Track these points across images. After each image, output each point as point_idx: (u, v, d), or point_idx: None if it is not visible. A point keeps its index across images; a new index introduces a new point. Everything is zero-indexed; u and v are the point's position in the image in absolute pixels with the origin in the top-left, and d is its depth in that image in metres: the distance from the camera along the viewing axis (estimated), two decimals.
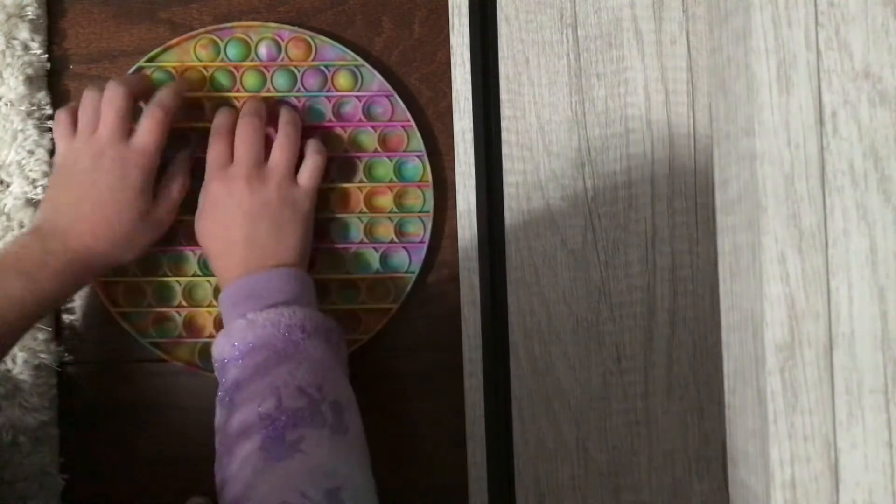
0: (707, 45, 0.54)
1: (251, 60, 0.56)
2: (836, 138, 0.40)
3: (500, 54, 0.56)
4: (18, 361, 0.54)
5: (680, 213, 0.55)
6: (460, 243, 0.56)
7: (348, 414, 0.46)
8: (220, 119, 0.54)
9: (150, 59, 0.56)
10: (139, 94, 0.53)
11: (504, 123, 0.56)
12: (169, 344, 0.56)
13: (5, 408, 0.55)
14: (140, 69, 0.56)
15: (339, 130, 0.56)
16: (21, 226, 0.55)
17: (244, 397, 0.46)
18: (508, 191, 0.56)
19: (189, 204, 0.56)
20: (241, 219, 0.51)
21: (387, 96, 0.56)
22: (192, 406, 0.58)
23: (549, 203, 0.55)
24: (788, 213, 0.39)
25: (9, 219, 0.55)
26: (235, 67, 0.56)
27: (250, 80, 0.56)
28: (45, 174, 0.56)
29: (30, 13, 0.55)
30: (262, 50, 0.56)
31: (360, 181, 0.56)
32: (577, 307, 0.55)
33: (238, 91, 0.56)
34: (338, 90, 0.56)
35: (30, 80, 0.55)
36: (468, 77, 0.56)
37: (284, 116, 0.54)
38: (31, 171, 0.55)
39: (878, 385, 0.39)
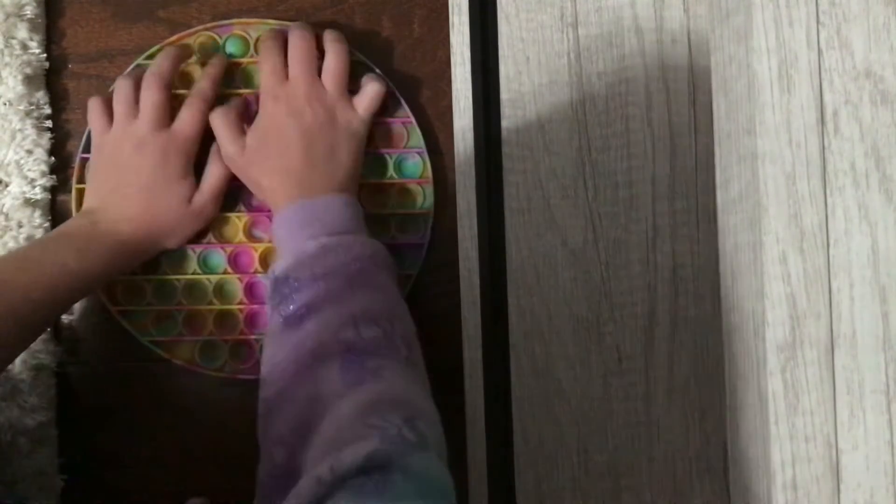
0: (708, 45, 0.54)
1: (250, 57, 0.56)
2: (837, 138, 0.39)
3: (501, 53, 0.56)
4: (17, 362, 0.54)
5: (681, 212, 0.55)
6: (460, 243, 0.56)
7: (415, 348, 0.47)
8: (268, 36, 0.53)
9: (149, 57, 0.56)
10: (172, 79, 0.54)
11: (504, 123, 0.56)
12: (169, 343, 0.56)
13: (4, 408, 0.54)
14: (138, 66, 0.56)
15: None
16: (20, 225, 0.55)
17: (320, 321, 0.45)
18: (508, 191, 0.55)
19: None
20: (299, 139, 0.50)
21: (387, 93, 0.56)
22: (191, 406, 0.58)
23: (549, 203, 0.55)
24: (790, 212, 0.39)
25: (7, 218, 0.55)
26: (234, 64, 0.56)
27: (249, 76, 0.56)
28: (44, 174, 0.56)
29: (28, 12, 0.55)
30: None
31: (361, 178, 0.56)
32: (577, 307, 0.55)
33: (238, 88, 0.56)
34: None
35: (28, 80, 0.55)
36: (468, 76, 0.56)
37: (330, 34, 0.54)
38: (29, 170, 0.55)
39: (880, 385, 0.39)
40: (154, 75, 0.53)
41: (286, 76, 0.52)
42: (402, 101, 0.56)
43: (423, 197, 0.56)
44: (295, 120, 0.51)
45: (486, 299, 0.55)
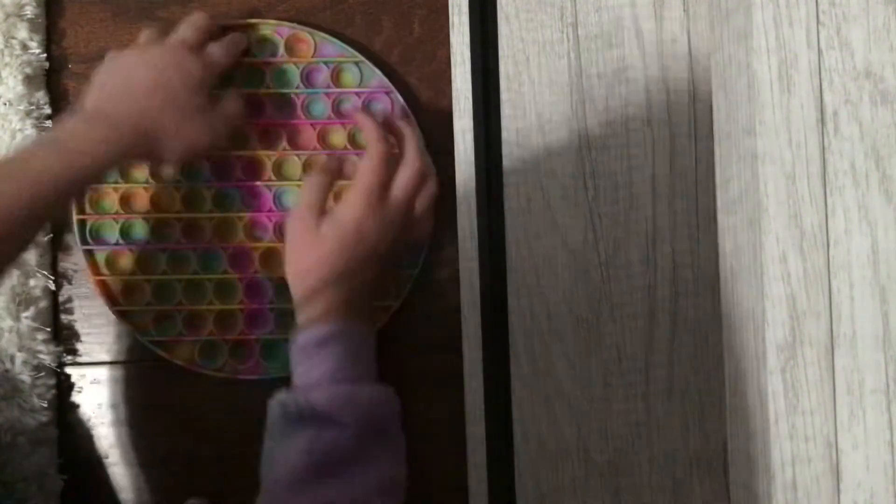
0: (708, 45, 0.54)
1: (251, 57, 0.56)
2: (837, 138, 0.39)
3: (501, 53, 0.56)
4: (17, 362, 0.54)
5: (681, 212, 0.55)
6: (460, 243, 0.56)
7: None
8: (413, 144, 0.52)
9: None
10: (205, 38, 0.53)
11: (504, 123, 0.56)
12: (169, 343, 0.56)
13: (4, 408, 0.54)
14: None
15: (338, 127, 0.56)
16: None
17: (339, 469, 0.46)
18: (508, 190, 0.55)
19: (195, 202, 0.56)
20: (366, 264, 0.50)
21: (387, 93, 0.56)
22: (191, 407, 0.57)
23: (549, 203, 0.55)
24: (790, 212, 0.39)
25: None
26: (235, 65, 0.56)
27: (249, 76, 0.56)
28: None
29: (28, 12, 0.55)
30: (261, 47, 0.56)
31: None
32: (577, 307, 0.55)
33: (237, 87, 0.56)
34: (338, 87, 0.56)
35: (28, 80, 0.55)
36: (468, 76, 0.56)
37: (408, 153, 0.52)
38: None
39: (880, 385, 0.39)
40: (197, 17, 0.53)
41: (389, 188, 0.50)
42: (402, 101, 0.56)
43: None
44: (374, 241, 0.49)
45: (486, 299, 0.55)
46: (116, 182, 0.56)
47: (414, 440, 0.57)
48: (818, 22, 0.40)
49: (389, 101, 0.56)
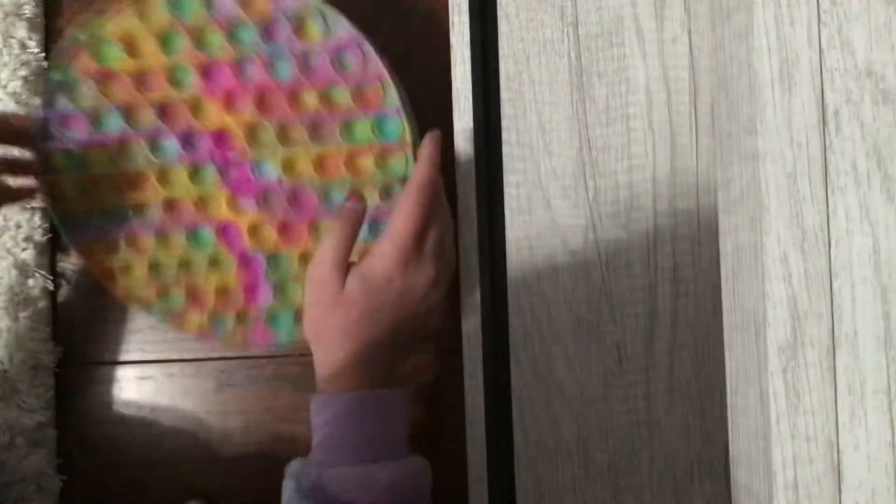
0: (709, 44, 0.54)
1: (206, 20, 0.53)
2: (838, 137, 0.39)
3: (501, 53, 0.56)
4: (16, 362, 0.54)
5: (681, 212, 0.55)
6: (460, 243, 0.56)
7: None
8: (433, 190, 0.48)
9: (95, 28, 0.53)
10: None
11: (504, 123, 0.55)
12: (176, 315, 0.55)
13: (2, 409, 0.54)
14: (77, 39, 0.53)
15: (308, 88, 0.54)
16: (18, 226, 0.55)
17: None
18: (508, 191, 0.55)
19: (172, 182, 0.56)
20: (394, 326, 0.46)
21: (357, 44, 0.53)
22: (189, 407, 0.57)
23: (549, 203, 0.55)
24: (791, 212, 0.39)
25: (6, 219, 0.55)
26: (189, 30, 0.53)
27: (207, 39, 0.54)
28: None
29: (27, 12, 0.55)
30: (216, 4, 0.53)
31: (337, 143, 0.54)
32: (577, 307, 0.55)
33: (193, 52, 0.53)
34: (301, 40, 0.53)
35: (27, 80, 0.55)
36: (468, 76, 0.56)
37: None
38: None
39: (881, 386, 0.39)
40: None
41: (424, 241, 0.46)
42: (375, 54, 0.53)
43: (406, 161, 0.54)
44: (406, 302, 0.45)
45: (485, 299, 0.55)
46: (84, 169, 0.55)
47: (414, 440, 0.57)
48: (819, 21, 0.40)
49: (361, 52, 0.53)
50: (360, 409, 0.45)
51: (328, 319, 0.45)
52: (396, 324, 0.46)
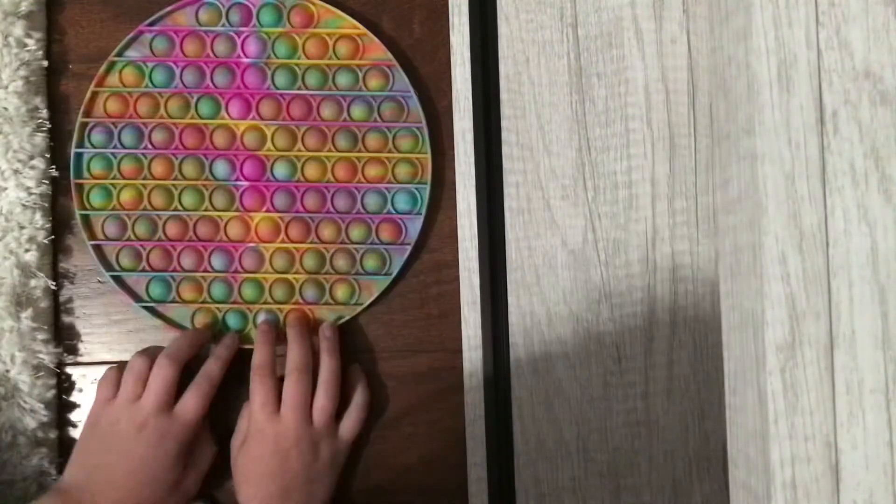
0: (708, 45, 0.54)
1: (252, 27, 0.56)
2: (836, 138, 0.39)
3: (500, 54, 0.56)
4: (17, 362, 0.54)
5: (680, 213, 0.55)
6: (460, 243, 0.56)
7: None
8: (261, 357, 0.54)
9: (125, 46, 0.56)
10: (187, 362, 0.54)
11: (504, 123, 0.56)
12: (164, 307, 0.56)
13: (4, 408, 0.54)
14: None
15: (338, 100, 0.56)
16: (21, 227, 0.55)
17: None
18: (508, 191, 0.55)
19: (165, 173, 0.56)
20: (279, 477, 0.51)
21: (388, 66, 0.56)
22: None
23: (549, 203, 0.55)
24: (789, 212, 0.39)
25: (7, 220, 0.55)
26: (237, 34, 0.56)
27: (250, 47, 0.56)
28: (44, 175, 0.56)
29: (28, 12, 0.55)
30: (265, 18, 0.56)
31: (359, 150, 0.56)
32: (577, 307, 0.55)
33: (239, 58, 0.56)
34: (339, 59, 0.56)
35: (28, 80, 0.55)
36: (468, 77, 0.56)
37: (324, 373, 0.54)
38: (29, 172, 0.55)
39: (879, 385, 0.39)
40: (169, 356, 0.52)
41: (276, 410, 0.52)
42: (405, 77, 0.56)
43: (420, 171, 0.56)
44: (280, 460, 0.51)
45: (485, 299, 0.55)
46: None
47: (414, 440, 0.57)
48: (818, 22, 0.40)
49: (391, 74, 0.56)
50: None
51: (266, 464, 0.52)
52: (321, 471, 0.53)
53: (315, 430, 0.52)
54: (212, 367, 0.54)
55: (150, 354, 0.53)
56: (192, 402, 0.52)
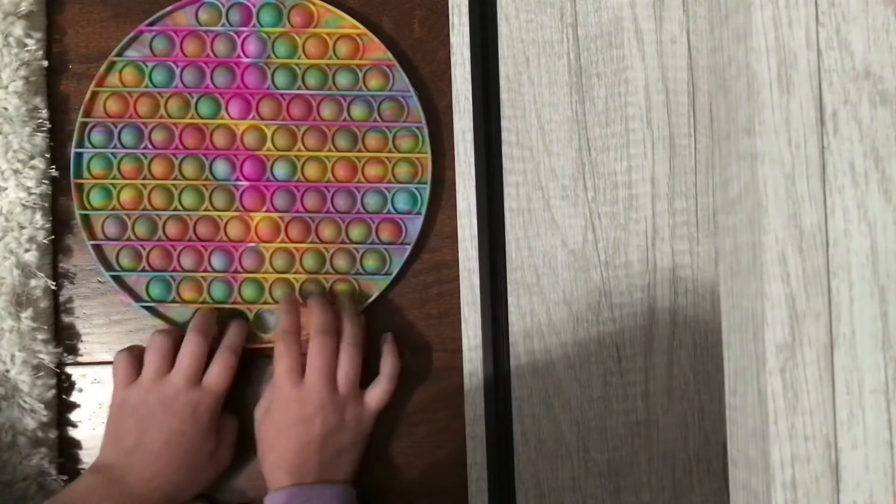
0: (708, 45, 0.54)
1: (252, 26, 0.56)
2: (836, 138, 0.39)
3: (500, 54, 0.56)
4: (17, 362, 0.54)
5: (680, 212, 0.55)
6: (460, 243, 0.56)
7: None
8: (287, 322, 0.54)
9: (125, 47, 0.56)
10: (212, 337, 0.54)
11: (504, 123, 0.56)
12: (164, 307, 0.56)
13: (4, 408, 0.54)
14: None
15: (337, 99, 0.56)
16: (21, 227, 0.55)
17: None
18: (508, 191, 0.56)
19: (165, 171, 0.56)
20: (305, 444, 0.51)
21: (388, 66, 0.56)
22: None
23: (549, 203, 0.55)
24: (789, 212, 0.39)
25: (7, 220, 0.55)
26: (236, 33, 0.56)
27: (250, 47, 0.56)
28: (44, 175, 0.56)
29: (28, 12, 0.55)
30: (265, 17, 0.56)
31: (359, 150, 0.56)
32: (577, 307, 0.55)
33: (239, 58, 0.56)
34: (339, 59, 0.56)
35: (28, 80, 0.55)
36: (468, 77, 0.56)
37: (348, 337, 0.53)
38: (29, 172, 0.55)
39: (879, 385, 0.39)
40: (200, 331, 0.53)
41: (301, 376, 0.52)
42: (405, 76, 0.56)
43: (419, 171, 0.56)
44: (304, 427, 0.51)
45: (485, 299, 0.55)
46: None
47: (414, 440, 0.57)
48: (817, 22, 0.40)
49: (391, 74, 0.56)
50: (300, 496, 0.51)
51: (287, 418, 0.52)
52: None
53: (340, 397, 0.52)
54: (234, 339, 0.54)
55: (171, 332, 0.54)
56: (218, 374, 0.53)
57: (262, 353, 0.56)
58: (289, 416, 0.52)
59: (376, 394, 0.53)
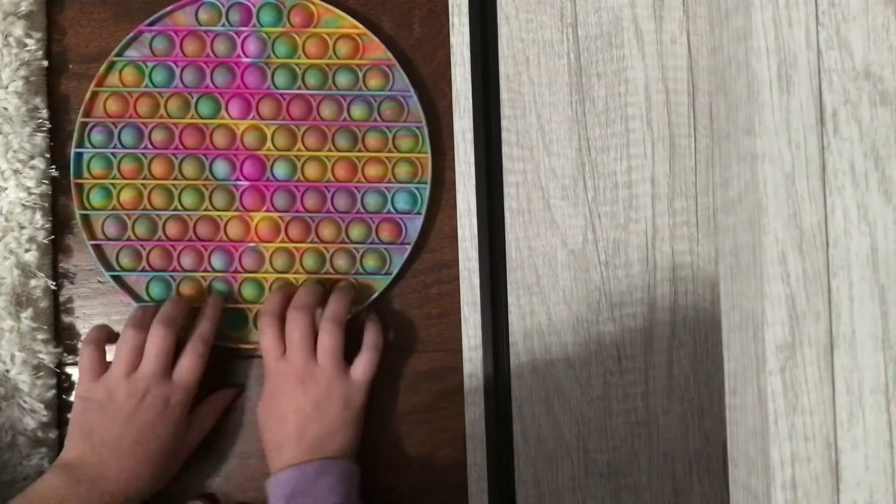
0: (708, 45, 0.54)
1: (252, 26, 0.56)
2: (836, 138, 0.39)
3: (500, 54, 0.56)
4: (17, 362, 0.54)
5: (680, 212, 0.55)
6: (460, 243, 0.56)
7: None
8: (270, 303, 0.54)
9: (125, 46, 0.56)
10: (179, 329, 0.53)
11: (504, 123, 0.56)
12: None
13: (4, 408, 0.54)
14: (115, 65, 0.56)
15: (338, 99, 0.56)
16: (21, 227, 0.55)
17: None
18: (508, 191, 0.56)
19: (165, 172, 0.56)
20: (292, 416, 0.52)
21: (388, 66, 0.56)
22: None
23: (549, 203, 0.55)
24: (789, 212, 0.39)
25: (7, 220, 0.55)
26: (236, 33, 0.56)
27: (250, 47, 0.56)
28: (44, 175, 0.56)
29: (28, 12, 0.55)
30: (265, 17, 0.56)
31: (359, 150, 0.56)
32: (577, 307, 0.55)
33: (239, 58, 0.56)
34: (339, 58, 0.56)
35: (28, 79, 0.55)
36: (468, 77, 0.56)
37: (327, 313, 0.53)
38: (29, 172, 0.55)
39: (879, 385, 0.39)
40: (164, 323, 0.52)
41: (283, 353, 0.53)
42: (405, 76, 0.56)
43: (420, 171, 0.56)
44: (292, 400, 0.52)
45: (485, 299, 0.55)
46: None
47: (414, 440, 0.57)
48: (817, 22, 0.40)
49: (391, 74, 0.56)
50: (300, 477, 0.50)
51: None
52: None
53: (321, 369, 0.52)
54: (204, 328, 0.54)
55: (140, 325, 0.52)
56: (189, 365, 0.52)
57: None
58: (279, 394, 0.52)
59: (361, 364, 0.53)
